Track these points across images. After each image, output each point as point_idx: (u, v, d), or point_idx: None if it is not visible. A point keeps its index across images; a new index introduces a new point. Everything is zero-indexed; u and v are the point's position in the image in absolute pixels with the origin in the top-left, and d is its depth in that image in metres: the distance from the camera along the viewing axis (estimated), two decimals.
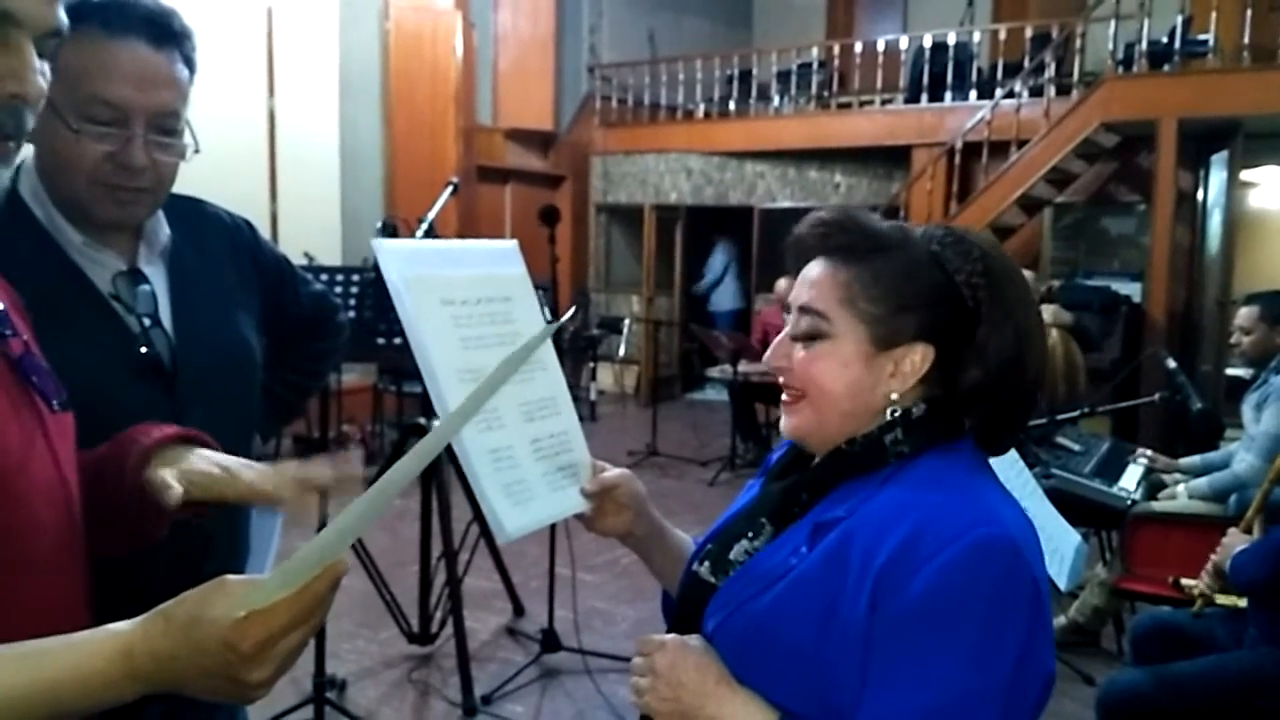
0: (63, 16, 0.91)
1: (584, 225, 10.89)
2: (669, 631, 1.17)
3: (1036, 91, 8.27)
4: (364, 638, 4.09)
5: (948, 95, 8.92)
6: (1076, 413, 3.93)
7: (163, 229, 1.43)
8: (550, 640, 3.89)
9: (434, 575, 3.76)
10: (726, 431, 7.48)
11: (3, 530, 0.88)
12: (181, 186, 1.45)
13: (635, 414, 9.49)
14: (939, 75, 8.98)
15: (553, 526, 3.50)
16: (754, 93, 10.32)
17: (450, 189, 3.56)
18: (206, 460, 1.08)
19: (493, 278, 1.32)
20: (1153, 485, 3.83)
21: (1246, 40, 7.29)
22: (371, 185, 8.29)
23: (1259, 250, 9.20)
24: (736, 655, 1.06)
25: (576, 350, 9.24)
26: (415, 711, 3.55)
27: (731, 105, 10.30)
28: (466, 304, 1.27)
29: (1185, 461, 3.98)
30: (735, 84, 10.39)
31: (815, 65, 10.22)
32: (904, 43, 9.73)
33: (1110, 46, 7.74)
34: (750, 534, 1.13)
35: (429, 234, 3.34)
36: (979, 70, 9.23)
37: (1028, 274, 6.14)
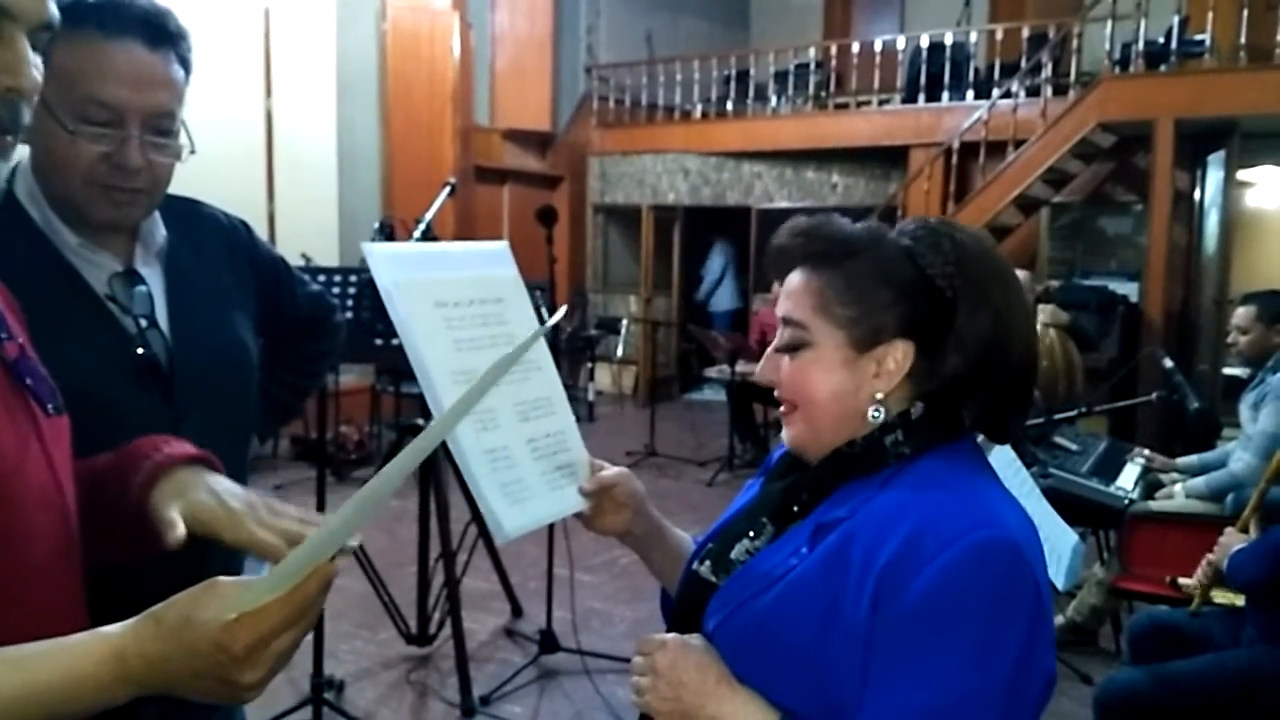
0: (54, 9, 0.91)
1: (581, 226, 10.89)
2: (668, 630, 1.17)
3: (1033, 91, 8.27)
4: (362, 639, 4.09)
5: (945, 95, 8.93)
6: (1074, 412, 3.94)
7: (159, 230, 1.43)
8: (548, 641, 3.89)
9: (432, 576, 3.76)
10: (724, 432, 7.49)
11: None
12: (178, 187, 1.45)
13: (633, 414, 9.49)
14: (936, 75, 8.99)
15: (551, 527, 3.50)
16: (751, 93, 10.32)
17: (448, 189, 3.56)
18: (214, 496, 1.07)
19: (484, 279, 1.32)
20: (1150, 485, 3.83)
21: (1243, 40, 7.30)
22: (369, 186, 8.29)
23: (1256, 250, 9.21)
24: (737, 655, 1.06)
25: (574, 351, 9.24)
26: (413, 712, 3.55)
27: (729, 105, 10.30)
28: (459, 306, 1.27)
29: (1182, 461, 3.98)
30: (732, 84, 10.39)
31: (812, 65, 10.22)
32: (901, 43, 9.74)
33: (1107, 46, 7.74)
34: (751, 533, 1.13)
35: (426, 234, 3.34)
36: (976, 70, 9.23)
37: (1024, 274, 6.15)
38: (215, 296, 1.49)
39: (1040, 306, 5.70)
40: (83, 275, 1.34)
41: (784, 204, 9.99)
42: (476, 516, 3.67)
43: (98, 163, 1.28)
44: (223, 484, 1.09)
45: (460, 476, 1.24)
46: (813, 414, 1.11)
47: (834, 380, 1.10)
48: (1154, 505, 3.63)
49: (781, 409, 1.15)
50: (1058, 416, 3.84)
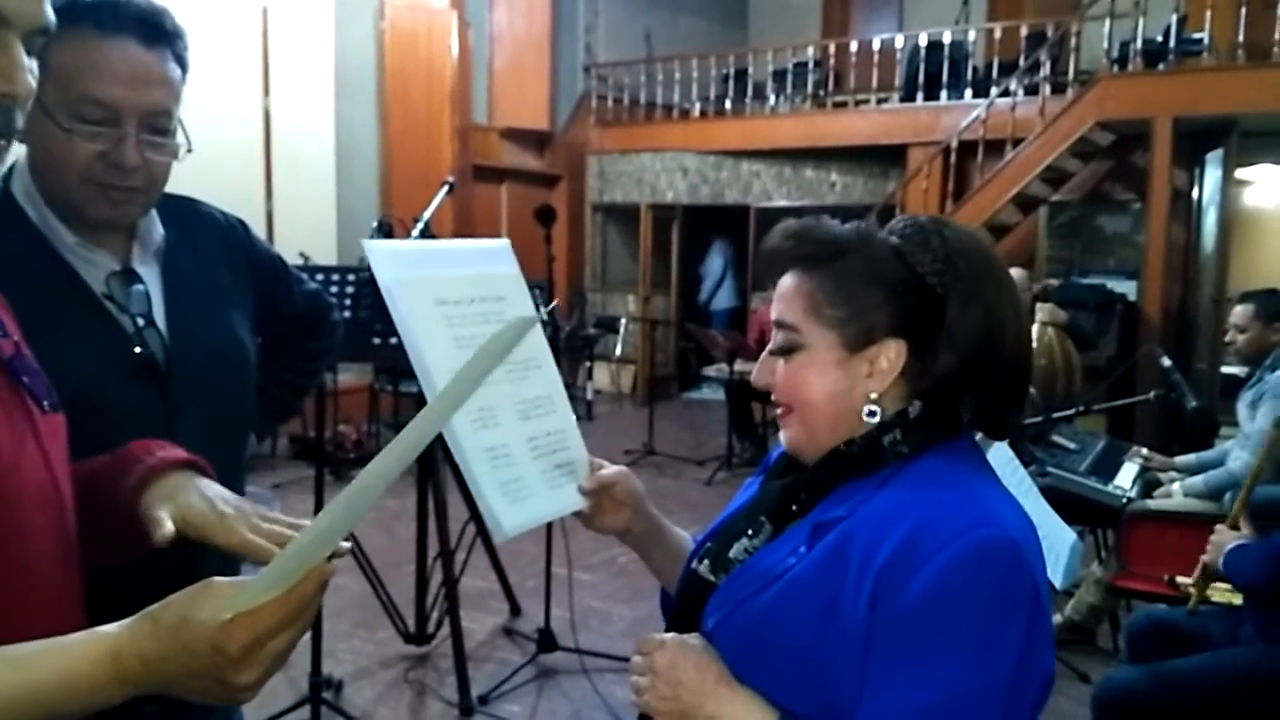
0: (50, 14, 0.90)
1: (580, 224, 10.88)
2: (668, 629, 1.17)
3: (1032, 90, 8.27)
4: (360, 638, 4.09)
5: (943, 94, 8.92)
6: (1072, 411, 3.94)
7: (156, 228, 1.43)
8: (547, 640, 3.89)
9: (430, 575, 3.76)
10: (723, 431, 7.49)
11: None
12: (176, 186, 1.45)
13: (632, 413, 9.49)
14: (934, 74, 8.99)
15: (549, 526, 3.50)
16: (750, 92, 10.32)
17: (446, 188, 3.56)
18: (205, 500, 1.07)
19: (485, 277, 1.32)
20: (1148, 483, 3.83)
21: (1241, 39, 7.30)
22: (367, 184, 8.28)
23: (1254, 248, 9.21)
24: (736, 654, 1.06)
25: (573, 350, 9.24)
26: (412, 711, 3.55)
27: (727, 104, 10.30)
28: (459, 304, 1.27)
29: (1180, 459, 3.98)
30: (731, 83, 10.39)
31: (811, 64, 10.22)
32: (899, 42, 9.73)
33: (1105, 45, 7.74)
34: (750, 532, 1.13)
35: (424, 233, 3.34)
36: (974, 69, 9.24)
37: (1022, 272, 6.17)
38: (213, 295, 1.49)
39: (1038, 305, 5.70)
40: (80, 274, 1.34)
41: (783, 203, 9.99)
42: (474, 515, 3.67)
43: (94, 161, 1.28)
44: (214, 489, 1.09)
45: (458, 475, 1.24)
46: (808, 416, 1.12)
47: (828, 381, 1.10)
48: (1152, 504, 3.63)
49: (778, 411, 1.15)
50: (1056, 415, 3.84)
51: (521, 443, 1.28)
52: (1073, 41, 8.18)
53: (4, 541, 0.89)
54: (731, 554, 1.13)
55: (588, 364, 9.40)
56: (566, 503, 1.31)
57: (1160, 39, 7.63)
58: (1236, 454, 3.58)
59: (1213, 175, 8.01)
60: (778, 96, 10.28)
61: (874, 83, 9.42)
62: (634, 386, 10.45)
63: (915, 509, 1.00)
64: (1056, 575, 2.42)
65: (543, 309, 1.29)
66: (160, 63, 1.31)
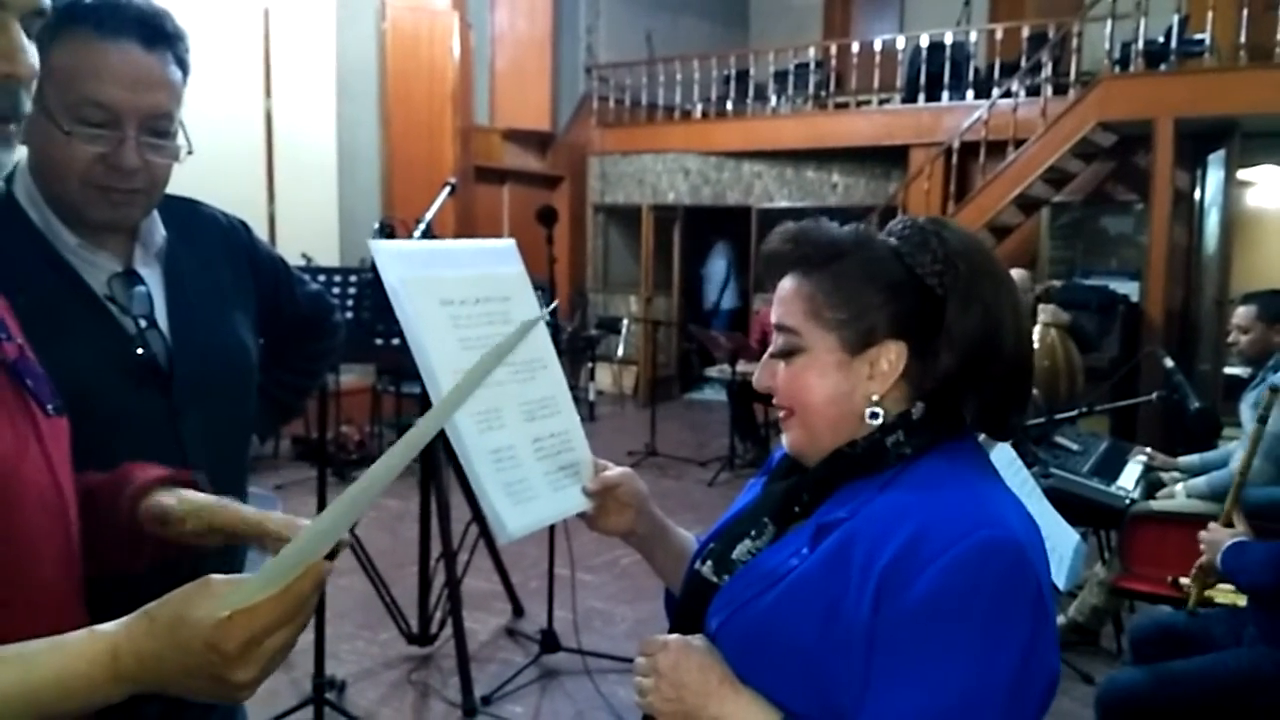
0: None
1: (581, 225, 10.88)
2: (671, 630, 1.17)
3: (1033, 91, 8.27)
4: (363, 639, 4.09)
5: (945, 95, 8.92)
6: (1074, 412, 3.93)
7: (158, 230, 1.43)
8: (550, 641, 3.88)
9: (433, 576, 3.76)
10: (725, 431, 7.48)
11: None
12: (178, 188, 1.45)
13: (634, 414, 9.49)
14: (936, 75, 8.99)
15: (552, 527, 3.49)
16: (751, 93, 10.32)
17: (448, 189, 3.55)
18: (207, 496, 1.10)
19: (491, 277, 1.32)
20: (1151, 484, 3.83)
21: (1243, 39, 7.30)
22: (369, 186, 8.28)
23: (1256, 249, 9.20)
24: (739, 655, 1.06)
25: (575, 350, 9.24)
26: (415, 712, 3.55)
27: (729, 105, 10.30)
28: (465, 304, 1.26)
29: (1183, 460, 3.98)
30: (732, 84, 10.39)
31: (812, 65, 10.22)
32: (901, 42, 9.74)
33: (1107, 46, 7.74)
34: (753, 533, 1.13)
35: (426, 235, 3.34)
36: (976, 70, 9.23)
37: (1024, 273, 6.17)
38: (214, 296, 1.49)
39: (1041, 306, 5.70)
40: (82, 276, 1.34)
41: (784, 204, 9.99)
42: (477, 516, 3.67)
43: (94, 164, 1.28)
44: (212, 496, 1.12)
45: (461, 476, 1.24)
46: (809, 418, 1.12)
47: (828, 384, 1.10)
48: (1155, 505, 3.62)
49: (780, 414, 1.15)
50: (1059, 416, 3.83)
51: (526, 444, 1.28)
52: (1074, 42, 8.17)
53: (7, 543, 0.89)
54: (734, 555, 1.13)
55: (590, 365, 9.40)
56: (571, 504, 1.31)
57: (1162, 40, 7.63)
58: (1239, 455, 3.57)
59: (1215, 176, 8.01)
60: (779, 97, 10.28)
61: (875, 84, 9.43)
62: (636, 387, 10.45)
63: (918, 510, 1.00)
64: (1060, 576, 2.42)
65: (549, 308, 1.28)
66: (161, 65, 1.31)
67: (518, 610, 4.36)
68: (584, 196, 10.87)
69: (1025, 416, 1.16)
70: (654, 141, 10.47)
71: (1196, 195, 8.23)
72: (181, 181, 1.42)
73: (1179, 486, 3.71)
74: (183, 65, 1.35)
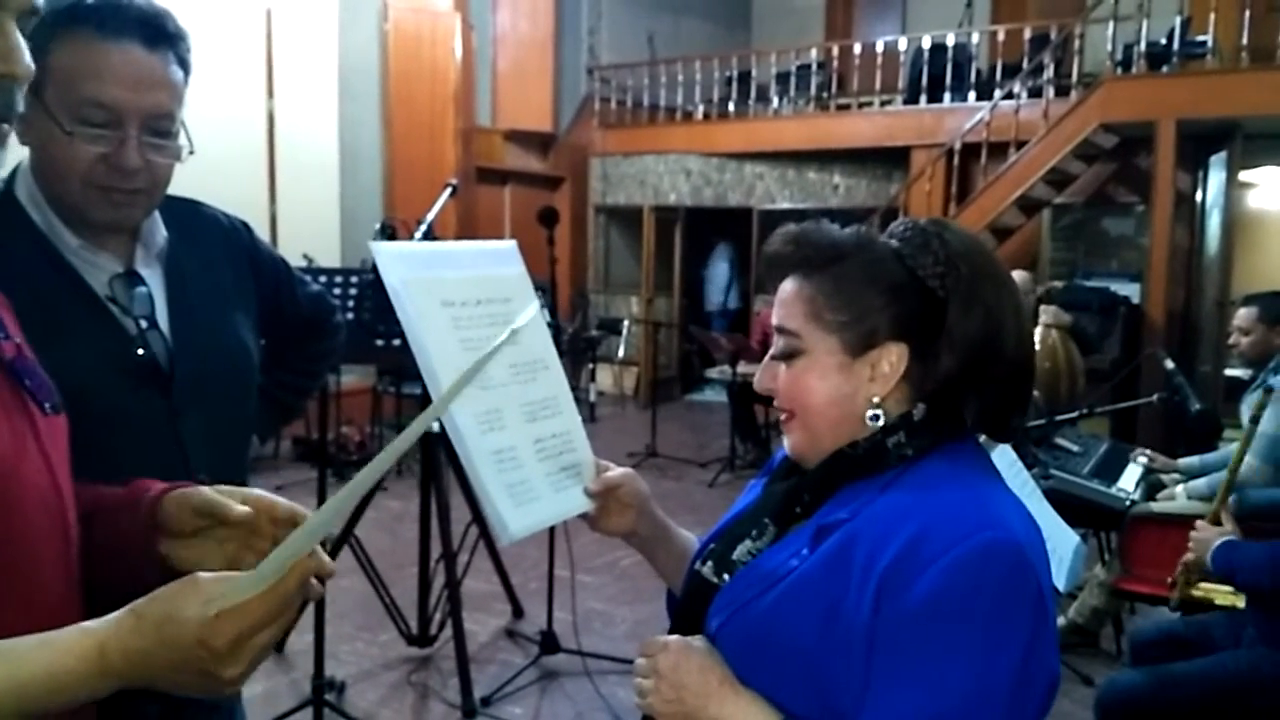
0: None
1: (583, 226, 10.89)
2: (672, 630, 1.17)
3: (1035, 92, 8.27)
4: (363, 640, 4.09)
5: (946, 96, 8.93)
6: (1075, 413, 3.92)
7: (159, 231, 1.43)
8: (549, 642, 3.88)
9: (433, 577, 3.76)
10: (726, 433, 7.48)
11: None
12: (180, 188, 1.45)
13: (634, 415, 9.49)
14: (938, 76, 8.99)
15: (552, 528, 3.50)
16: (753, 94, 10.33)
17: (449, 190, 3.55)
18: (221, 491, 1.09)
19: (492, 279, 1.32)
20: (1151, 486, 3.82)
21: (1245, 41, 7.30)
22: (370, 186, 8.29)
23: (1257, 251, 9.20)
24: (739, 656, 1.06)
25: (576, 351, 9.24)
26: (414, 713, 3.55)
27: (730, 106, 10.30)
28: (466, 305, 1.27)
29: (1184, 462, 3.97)
30: (734, 85, 10.40)
31: (814, 66, 10.22)
32: (903, 44, 9.74)
33: (1109, 47, 7.74)
34: (754, 534, 1.13)
35: (428, 235, 3.34)
36: (978, 71, 9.24)
37: (1025, 275, 6.17)
38: (216, 297, 1.49)
39: (1042, 308, 5.70)
40: (83, 276, 1.34)
41: (786, 205, 9.99)
42: (477, 517, 3.67)
43: (96, 164, 1.28)
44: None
45: (461, 477, 1.24)
46: (810, 421, 1.11)
47: (829, 386, 1.10)
48: (1155, 506, 3.62)
49: (781, 417, 1.15)
50: (1059, 418, 3.83)
51: (528, 445, 1.28)
52: (1076, 44, 8.17)
53: (4, 543, 0.89)
54: (735, 556, 1.13)
55: (591, 366, 9.40)
56: (572, 505, 1.31)
57: (1164, 41, 7.63)
58: None
59: (1216, 178, 8.01)
60: (781, 99, 10.28)
61: (877, 85, 9.43)
62: (637, 388, 10.45)
63: (919, 511, 1.00)
64: (1060, 578, 2.41)
65: (528, 313, 1.29)
66: (162, 65, 1.31)
67: (517, 611, 4.36)
68: (585, 197, 10.88)
69: (1026, 418, 1.16)
70: (655, 143, 10.48)
71: (1198, 197, 8.22)
72: (183, 182, 1.42)
73: (1179, 488, 3.70)
74: (184, 65, 1.35)
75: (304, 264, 4.93)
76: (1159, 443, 4.91)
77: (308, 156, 7.59)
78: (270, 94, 7.33)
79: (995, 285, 1.07)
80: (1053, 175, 7.91)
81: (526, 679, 3.73)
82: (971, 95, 8.86)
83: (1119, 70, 7.81)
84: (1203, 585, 2.77)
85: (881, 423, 1.08)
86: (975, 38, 9.40)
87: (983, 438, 1.15)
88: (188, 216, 1.51)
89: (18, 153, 1.25)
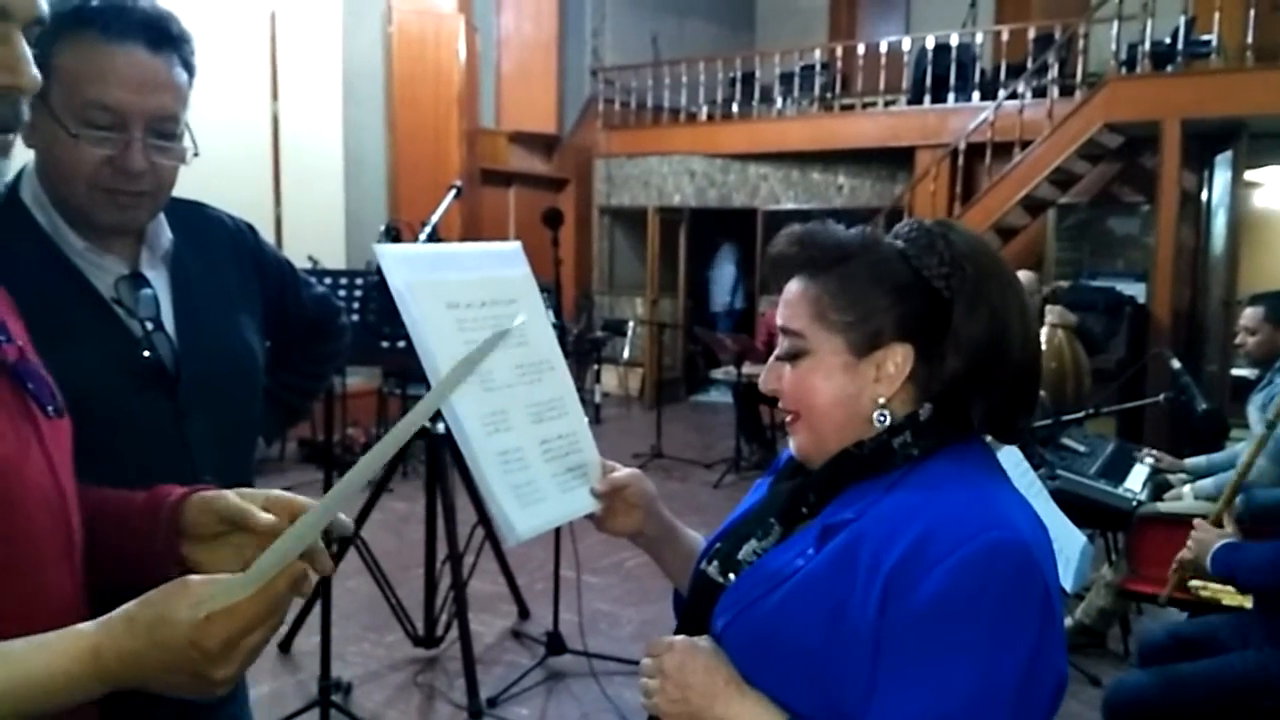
0: (44, 4, 0.91)
1: (587, 228, 10.89)
2: (678, 630, 1.17)
3: (1040, 92, 8.26)
4: (370, 641, 4.09)
5: (951, 96, 8.92)
6: (1081, 414, 3.92)
7: (164, 233, 1.43)
8: (555, 643, 3.89)
9: (439, 578, 3.76)
10: (731, 434, 7.48)
11: None
12: (185, 190, 1.45)
13: (640, 416, 9.49)
14: (942, 76, 8.98)
15: (557, 529, 3.49)
16: (757, 95, 10.33)
17: (454, 192, 3.56)
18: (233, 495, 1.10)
19: (497, 280, 1.32)
20: (1158, 486, 3.81)
21: (1250, 40, 7.28)
22: (375, 189, 8.30)
23: (1263, 250, 9.17)
24: (744, 656, 1.06)
25: (581, 353, 9.25)
26: (421, 714, 3.55)
27: (734, 107, 10.30)
28: (471, 307, 1.26)
29: (1190, 462, 3.96)
30: (738, 86, 10.40)
31: (818, 67, 10.22)
32: (907, 44, 9.74)
33: (1113, 47, 7.73)
34: (759, 534, 1.13)
35: (432, 237, 3.34)
36: (982, 71, 9.22)
37: (1031, 275, 6.16)
38: (221, 299, 1.49)
39: (1048, 308, 5.69)
40: (89, 279, 1.34)
41: (790, 205, 9.99)
42: (483, 518, 3.68)
43: (101, 166, 1.28)
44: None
45: (467, 479, 1.24)
46: (815, 422, 1.11)
47: (834, 386, 1.09)
48: (1162, 507, 3.61)
49: (787, 419, 1.15)
50: (1065, 418, 3.82)
51: (534, 446, 1.28)
52: (1080, 43, 8.17)
53: (8, 544, 0.90)
54: (740, 555, 1.13)
55: (596, 367, 9.40)
56: (579, 505, 1.31)
57: (1168, 41, 7.62)
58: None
59: (1222, 177, 7.99)
60: (785, 99, 10.28)
61: (881, 85, 9.43)
62: (642, 389, 10.45)
63: (925, 511, 1.00)
64: (1067, 579, 2.41)
65: (514, 323, 1.28)
66: (167, 67, 1.31)
67: (523, 612, 4.37)
68: (590, 199, 10.88)
69: (1032, 419, 1.16)
70: (660, 144, 10.48)
71: (1204, 196, 8.21)
72: (188, 184, 1.42)
73: (1186, 488, 3.70)
74: (188, 68, 1.35)
75: (309, 266, 4.93)
76: (1165, 443, 4.90)
77: (312, 159, 7.60)
78: (275, 96, 7.34)
79: (1001, 285, 1.07)
80: (1057, 175, 7.90)
81: (532, 680, 3.73)
82: (976, 95, 8.86)
83: (1123, 70, 7.80)
84: (1210, 586, 2.77)
85: (888, 423, 1.08)
86: (979, 38, 9.39)
87: (989, 438, 1.15)
88: (193, 219, 1.51)
89: (23, 156, 1.25)
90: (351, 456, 6.83)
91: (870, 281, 1.08)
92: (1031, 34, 8.68)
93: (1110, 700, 2.60)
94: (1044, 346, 5.19)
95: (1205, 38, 7.54)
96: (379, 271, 1.37)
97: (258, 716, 1.68)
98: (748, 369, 7.00)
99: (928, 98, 9.08)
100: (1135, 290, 7.77)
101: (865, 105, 10.18)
